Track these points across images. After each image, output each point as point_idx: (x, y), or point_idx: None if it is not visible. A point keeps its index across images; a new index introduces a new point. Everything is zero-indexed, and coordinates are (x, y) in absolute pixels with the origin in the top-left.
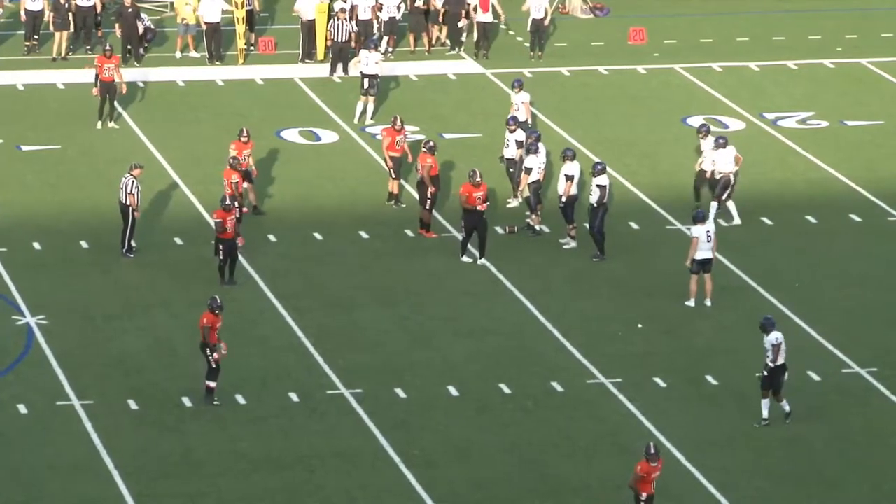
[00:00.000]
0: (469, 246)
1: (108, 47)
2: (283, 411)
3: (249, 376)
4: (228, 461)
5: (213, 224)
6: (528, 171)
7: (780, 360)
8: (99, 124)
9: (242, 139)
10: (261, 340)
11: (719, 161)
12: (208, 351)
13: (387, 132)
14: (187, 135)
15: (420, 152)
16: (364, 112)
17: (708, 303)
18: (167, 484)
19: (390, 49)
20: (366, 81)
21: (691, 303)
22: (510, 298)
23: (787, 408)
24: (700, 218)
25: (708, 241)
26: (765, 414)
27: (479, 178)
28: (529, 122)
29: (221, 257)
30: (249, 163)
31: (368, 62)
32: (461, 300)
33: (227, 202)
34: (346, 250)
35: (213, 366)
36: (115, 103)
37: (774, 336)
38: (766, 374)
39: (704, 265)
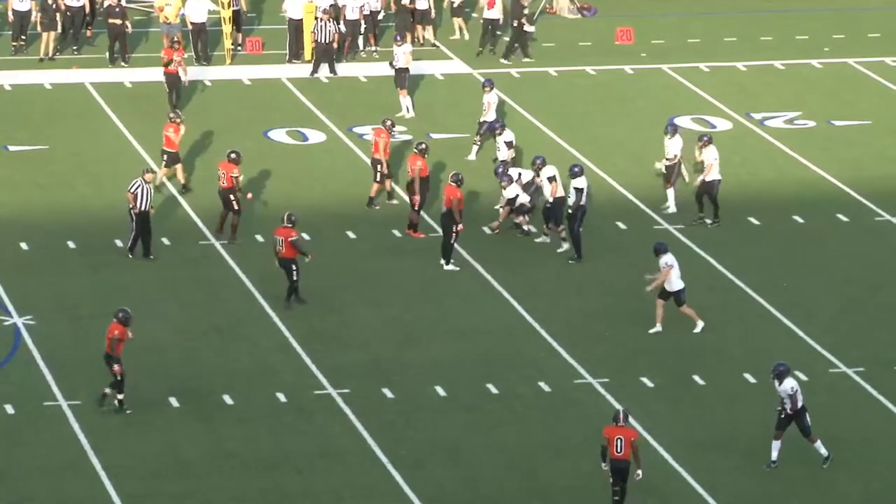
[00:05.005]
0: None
1: (175, 39)
2: (270, 411)
3: (237, 376)
4: (216, 461)
5: (276, 242)
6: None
7: (800, 404)
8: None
9: (172, 118)
10: (249, 341)
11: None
12: (112, 363)
13: (386, 135)
14: None
15: (411, 153)
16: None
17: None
18: (155, 484)
19: (374, 48)
20: (396, 76)
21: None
22: (498, 299)
23: (824, 451)
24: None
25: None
26: (774, 456)
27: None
28: (490, 119)
29: (295, 278)
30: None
31: (397, 56)
32: (449, 300)
33: (292, 219)
34: (334, 250)
35: (119, 378)
36: (176, 96)
37: (790, 385)
38: (782, 416)
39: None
